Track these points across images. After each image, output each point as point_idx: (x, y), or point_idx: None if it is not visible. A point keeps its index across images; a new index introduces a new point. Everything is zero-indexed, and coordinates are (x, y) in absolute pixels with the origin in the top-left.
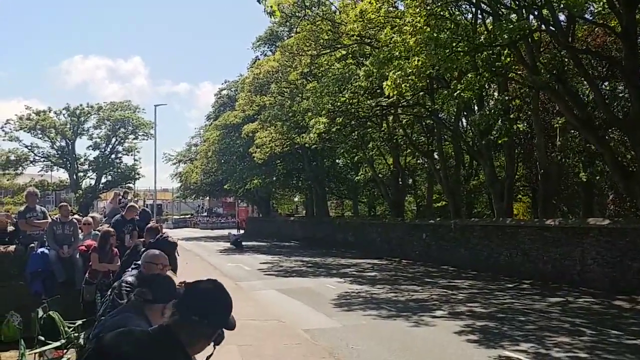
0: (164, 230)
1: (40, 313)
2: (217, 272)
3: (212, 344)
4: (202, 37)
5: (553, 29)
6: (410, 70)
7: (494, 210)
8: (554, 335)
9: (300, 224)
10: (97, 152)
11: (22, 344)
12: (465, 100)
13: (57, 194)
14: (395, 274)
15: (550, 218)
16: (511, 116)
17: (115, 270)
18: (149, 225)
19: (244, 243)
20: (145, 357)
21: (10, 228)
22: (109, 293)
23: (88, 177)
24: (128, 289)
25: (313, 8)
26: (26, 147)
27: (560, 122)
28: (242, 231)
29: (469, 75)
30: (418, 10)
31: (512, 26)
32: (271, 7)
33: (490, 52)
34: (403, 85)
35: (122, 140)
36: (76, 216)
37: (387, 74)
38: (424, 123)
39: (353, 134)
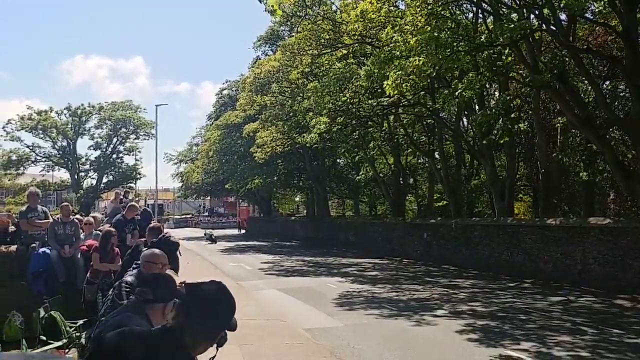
0: (165, 230)
1: (42, 313)
2: (218, 271)
3: (215, 345)
4: (203, 37)
5: (554, 28)
6: (410, 70)
7: (494, 209)
8: (555, 334)
9: (301, 224)
10: (98, 152)
11: (23, 344)
12: (466, 100)
13: (59, 193)
14: (396, 273)
15: (551, 217)
16: (512, 116)
17: (116, 270)
18: (151, 225)
19: (244, 243)
20: (147, 357)
21: (12, 228)
22: (110, 293)
23: (89, 177)
24: (128, 289)
25: (314, 7)
26: (27, 147)
27: (561, 121)
28: (243, 231)
29: (470, 74)
30: (419, 9)
31: (512, 26)
32: (272, 5)
33: (491, 51)
34: (404, 85)
35: (124, 140)
36: (77, 216)
37: (388, 73)
38: (425, 122)
39: (354, 133)
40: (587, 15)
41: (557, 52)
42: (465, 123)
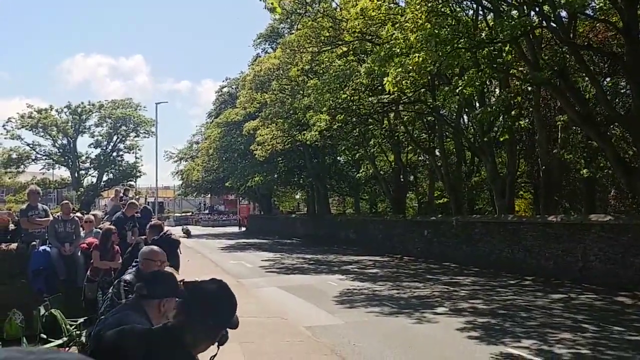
0: (166, 228)
1: (42, 311)
2: (219, 269)
3: (216, 344)
4: (203, 35)
5: (554, 25)
6: (410, 67)
7: (495, 206)
8: (556, 332)
9: (302, 222)
10: (98, 150)
11: (24, 342)
12: (467, 97)
13: (59, 192)
14: (397, 270)
15: (552, 214)
16: (513, 113)
17: (117, 268)
18: (151, 223)
19: (244, 240)
20: (148, 356)
21: (12, 226)
22: (109, 291)
23: (89, 175)
24: (126, 287)
25: (314, 5)
26: (28, 145)
27: (562, 119)
28: (243, 228)
29: (470, 71)
30: (419, 7)
31: (513, 22)
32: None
33: (492, 48)
34: (404, 82)
35: (124, 138)
36: (78, 214)
37: (388, 70)
38: (425, 120)
39: (354, 131)
40: (587, 11)
41: (558, 49)
42: (466, 120)
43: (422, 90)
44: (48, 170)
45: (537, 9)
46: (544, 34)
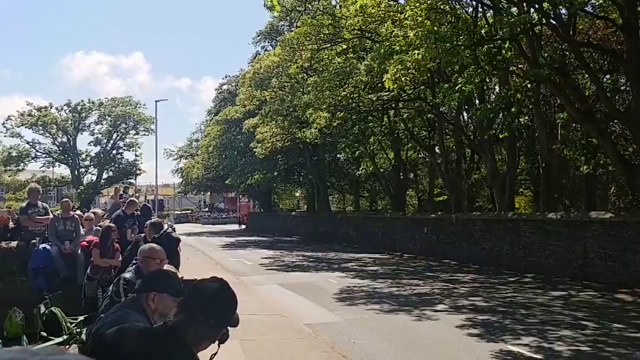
0: (166, 226)
1: (43, 309)
2: (219, 267)
3: (217, 342)
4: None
5: (554, 22)
6: (410, 64)
7: (495, 204)
8: (556, 329)
9: (302, 219)
10: (98, 148)
11: (24, 340)
12: (467, 94)
13: (59, 189)
14: (396, 268)
15: (552, 211)
16: (512, 110)
17: (117, 266)
18: (151, 221)
19: (244, 238)
20: (148, 354)
21: (12, 224)
22: (109, 289)
23: (89, 172)
24: (126, 285)
25: (313, 2)
26: (27, 143)
27: (562, 116)
28: (243, 226)
29: (470, 69)
30: (418, 4)
31: (512, 20)
32: (271, 1)
33: (491, 45)
34: (403, 79)
35: (123, 136)
36: (78, 212)
37: (388, 68)
38: (425, 117)
39: (354, 128)
40: (587, 8)
41: (558, 46)
42: (466, 117)
43: (422, 87)
44: (48, 168)
45: (536, 6)
46: (543, 31)
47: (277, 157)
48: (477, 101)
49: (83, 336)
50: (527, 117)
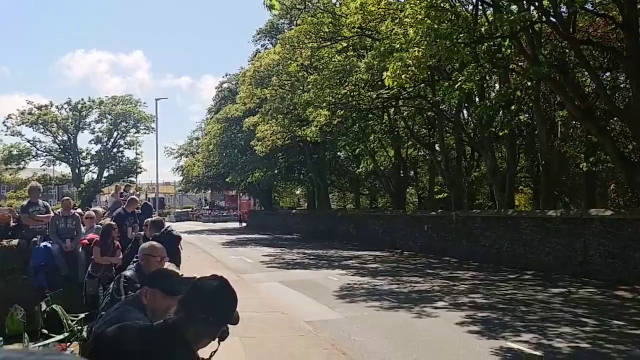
0: (167, 224)
1: (44, 307)
2: (220, 264)
3: (217, 339)
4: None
5: (554, 20)
6: (410, 61)
7: (495, 201)
8: (556, 326)
9: (302, 217)
10: (99, 146)
11: (25, 338)
12: (467, 92)
13: (60, 188)
14: (397, 265)
15: (552, 209)
16: (512, 108)
17: (117, 263)
18: (152, 219)
19: (245, 236)
20: (148, 352)
21: (13, 223)
22: (110, 287)
23: (90, 171)
24: (126, 283)
25: (313, 0)
26: (28, 141)
27: (562, 114)
28: (244, 224)
29: (470, 66)
30: (418, 1)
31: (512, 17)
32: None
33: (491, 43)
34: (403, 77)
35: (124, 134)
36: (79, 210)
37: (387, 65)
38: (425, 115)
39: (354, 126)
40: (587, 6)
41: (558, 44)
42: (466, 115)
43: (422, 85)
44: (49, 166)
45: (536, 4)
46: (543, 29)
47: (277, 155)
48: (477, 99)
49: (84, 334)
50: (527, 115)
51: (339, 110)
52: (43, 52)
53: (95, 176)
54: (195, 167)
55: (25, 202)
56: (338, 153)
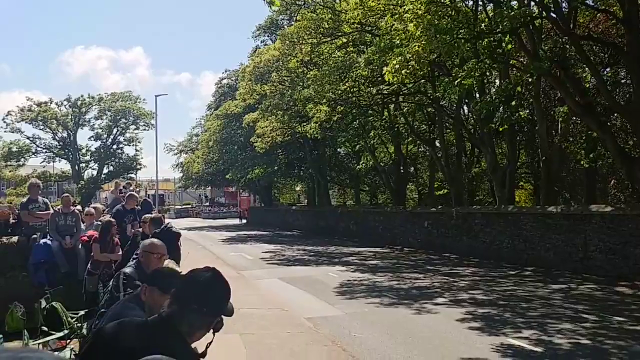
0: (167, 220)
1: (44, 304)
2: (220, 261)
3: (212, 331)
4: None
5: (554, 15)
6: (410, 56)
7: (495, 197)
8: (556, 322)
9: (302, 213)
10: (98, 143)
11: (25, 335)
12: (467, 88)
13: (60, 185)
14: (397, 262)
15: (552, 205)
16: (512, 103)
17: (117, 260)
18: (152, 216)
19: (245, 232)
20: (144, 347)
21: (13, 219)
22: (110, 283)
23: (90, 167)
24: (125, 280)
25: None
26: (28, 138)
27: (562, 110)
28: (244, 220)
29: (470, 62)
30: None
31: (513, 13)
32: None
33: (491, 39)
34: (403, 72)
35: (124, 131)
36: (78, 207)
37: (387, 61)
38: (425, 111)
39: (354, 122)
40: (588, 1)
41: (558, 40)
42: (466, 111)
43: (422, 81)
44: (48, 163)
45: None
46: (544, 25)
47: (277, 152)
48: (477, 95)
49: (84, 331)
50: (527, 111)
51: (339, 107)
52: (43, 48)
53: (95, 173)
54: (195, 163)
55: (25, 199)
56: (338, 149)
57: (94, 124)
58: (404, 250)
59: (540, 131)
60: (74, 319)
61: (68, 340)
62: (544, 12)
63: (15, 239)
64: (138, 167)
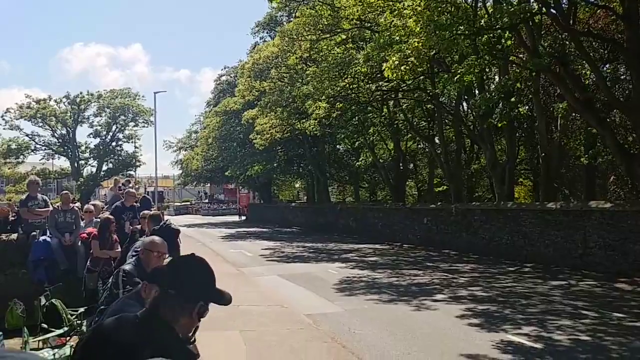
0: (166, 217)
1: (43, 301)
2: (219, 258)
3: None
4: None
5: (554, 11)
6: (409, 52)
7: (495, 194)
8: (555, 319)
9: (302, 210)
10: (97, 140)
11: (25, 332)
12: (466, 84)
13: (59, 182)
14: (396, 258)
15: (551, 201)
16: (512, 99)
17: (116, 257)
18: (150, 213)
19: (244, 229)
20: (135, 341)
21: (12, 217)
22: (109, 281)
23: (89, 164)
24: (125, 277)
25: None
26: (27, 135)
27: (562, 107)
28: (243, 217)
29: (470, 58)
30: None
31: (512, 9)
32: None
33: (491, 35)
34: (403, 68)
35: (123, 128)
36: (77, 204)
37: (387, 58)
38: (424, 107)
39: (354, 119)
40: None
41: (558, 36)
42: (465, 107)
43: (422, 77)
44: (47, 160)
45: None
46: (543, 21)
47: (276, 149)
48: (476, 91)
49: (83, 328)
50: (526, 107)
51: (338, 103)
52: (42, 46)
53: (94, 170)
54: (195, 160)
55: (24, 196)
56: (337, 146)
57: (93, 121)
58: (403, 247)
59: (540, 127)
60: (73, 316)
61: (68, 338)
62: (543, 8)
63: (14, 236)
64: (137, 164)
